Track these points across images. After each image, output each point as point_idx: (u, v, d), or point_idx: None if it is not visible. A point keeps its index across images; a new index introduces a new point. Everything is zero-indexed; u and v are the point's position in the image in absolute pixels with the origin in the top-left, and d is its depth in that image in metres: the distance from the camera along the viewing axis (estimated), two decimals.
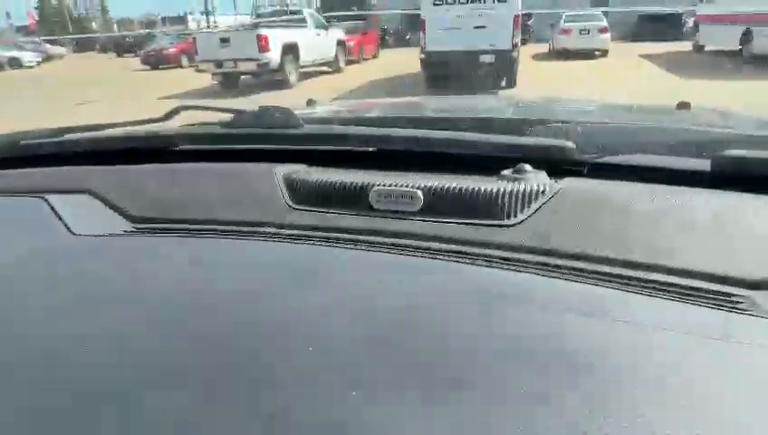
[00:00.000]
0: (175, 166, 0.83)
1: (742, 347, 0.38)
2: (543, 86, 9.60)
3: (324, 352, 0.39)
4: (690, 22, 17.34)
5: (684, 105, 1.17)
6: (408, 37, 24.18)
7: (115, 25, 53.45)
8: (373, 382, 0.36)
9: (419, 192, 0.62)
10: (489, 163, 0.67)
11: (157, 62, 18.80)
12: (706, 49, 14.11)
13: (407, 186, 0.63)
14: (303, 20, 11.99)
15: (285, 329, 0.43)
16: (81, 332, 0.45)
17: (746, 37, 11.29)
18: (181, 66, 18.23)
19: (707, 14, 14.04)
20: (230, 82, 10.88)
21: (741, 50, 11.51)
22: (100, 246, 0.63)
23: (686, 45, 15.56)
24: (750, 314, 0.42)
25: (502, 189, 0.60)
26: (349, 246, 0.58)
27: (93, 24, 54.39)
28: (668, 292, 0.46)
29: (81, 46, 37.63)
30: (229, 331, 0.44)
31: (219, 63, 10.38)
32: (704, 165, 0.63)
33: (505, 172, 0.65)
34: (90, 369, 0.40)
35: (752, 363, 0.36)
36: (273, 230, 0.64)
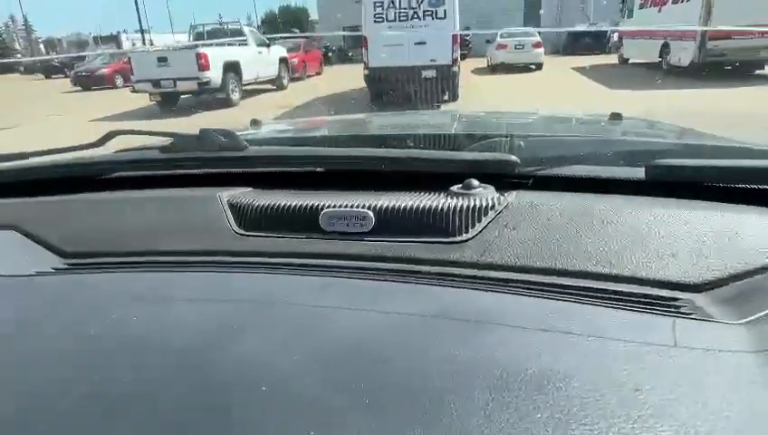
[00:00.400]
0: (110, 195, 0.79)
1: (690, 353, 0.39)
2: (485, 98, 9.92)
3: (280, 388, 0.37)
4: (615, 36, 18.52)
5: (616, 116, 1.23)
6: (350, 54, 24.40)
7: (41, 46, 50.74)
8: (332, 419, 0.34)
9: (370, 213, 0.61)
10: (438, 179, 0.67)
11: (89, 83, 17.96)
12: (630, 61, 15.10)
13: (357, 206, 0.62)
14: (245, 38, 11.84)
15: (237, 366, 0.40)
16: (6, 385, 0.41)
17: (665, 50, 12.18)
18: (116, 87, 17.51)
19: (630, 29, 15.06)
20: (169, 102, 10.53)
21: (660, 62, 12.40)
22: (27, 286, 0.57)
23: (612, 58, 16.58)
24: (693, 318, 0.44)
25: (452, 206, 0.60)
26: (300, 272, 0.56)
27: (17, 44, 51.41)
28: (618, 300, 0.47)
29: (4, 68, 35.35)
30: (176, 371, 0.40)
31: (157, 83, 10.03)
32: (639, 173, 0.66)
33: (454, 188, 0.65)
34: (13, 427, 0.36)
35: (700, 369, 0.37)
36: (219, 259, 0.61)
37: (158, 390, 0.38)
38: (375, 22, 9.09)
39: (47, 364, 0.43)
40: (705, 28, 10.13)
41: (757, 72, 10.84)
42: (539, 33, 16.69)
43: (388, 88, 8.98)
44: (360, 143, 1.01)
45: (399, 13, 8.96)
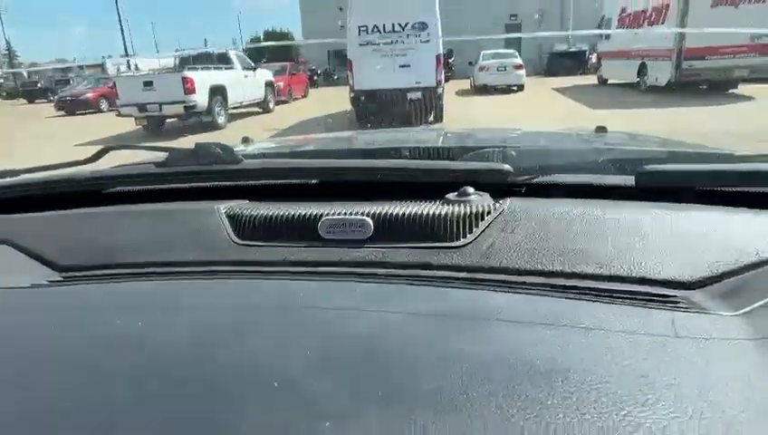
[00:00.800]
0: (105, 209, 0.78)
1: (690, 342, 0.40)
2: (470, 119, 10.06)
3: (289, 387, 0.37)
4: (594, 58, 19.02)
5: (601, 129, 1.27)
6: (335, 77, 24.69)
7: (24, 72, 50.43)
8: (346, 415, 0.34)
9: (369, 220, 0.62)
10: (434, 188, 0.69)
11: (73, 107, 17.85)
12: (609, 82, 15.48)
13: (356, 214, 0.63)
14: (230, 62, 11.92)
15: (245, 368, 0.40)
16: (6, 390, 0.40)
17: (642, 71, 12.53)
18: (101, 111, 17.43)
19: (608, 50, 15.49)
20: (155, 126, 10.51)
21: (638, 82, 12.74)
22: (22, 297, 0.57)
23: (592, 79, 16.99)
24: (690, 312, 0.45)
25: (449, 212, 0.61)
26: (301, 277, 0.56)
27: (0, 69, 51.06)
28: (617, 298, 0.48)
29: None
30: (181, 372, 0.40)
31: (143, 107, 10.02)
32: (629, 180, 0.68)
33: (450, 196, 0.66)
34: (15, 428, 0.36)
35: (701, 357, 0.39)
36: (219, 269, 0.60)
37: (162, 392, 0.38)
38: (360, 45, 9.23)
39: (45, 372, 0.42)
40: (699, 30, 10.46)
41: (731, 90, 11.19)
42: (519, 52, 17.06)
43: (374, 110, 9.08)
44: (354, 156, 1.02)
45: (384, 36, 9.12)
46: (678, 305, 0.47)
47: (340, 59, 21.58)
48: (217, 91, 10.55)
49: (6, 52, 49.79)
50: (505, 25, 27.34)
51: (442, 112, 9.36)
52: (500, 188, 0.69)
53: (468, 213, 0.61)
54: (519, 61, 16.16)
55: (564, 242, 0.57)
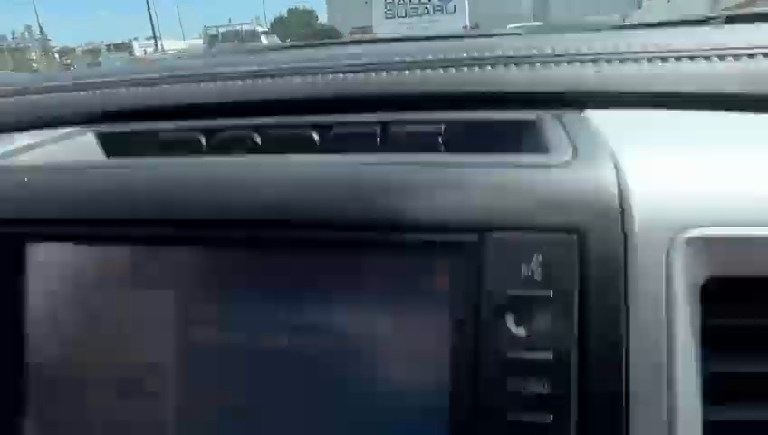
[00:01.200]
0: None
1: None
2: None
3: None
4: None
5: None
6: None
7: (56, 55, 51.78)
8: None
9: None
10: None
11: None
12: None
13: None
14: (259, 40, 12.11)
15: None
16: None
17: None
18: None
19: (640, 22, 15.04)
20: None
21: None
22: None
23: None
24: None
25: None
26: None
27: (33, 54, 52.60)
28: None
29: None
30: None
31: None
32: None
33: None
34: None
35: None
36: None
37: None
38: (386, 18, 9.31)
39: None
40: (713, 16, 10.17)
41: None
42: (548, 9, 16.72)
43: None
44: None
45: (410, 9, 9.18)
46: None
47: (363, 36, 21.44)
48: None
49: (40, 36, 51.10)
50: (533, 2, 26.72)
51: None
52: None
53: None
54: None
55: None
